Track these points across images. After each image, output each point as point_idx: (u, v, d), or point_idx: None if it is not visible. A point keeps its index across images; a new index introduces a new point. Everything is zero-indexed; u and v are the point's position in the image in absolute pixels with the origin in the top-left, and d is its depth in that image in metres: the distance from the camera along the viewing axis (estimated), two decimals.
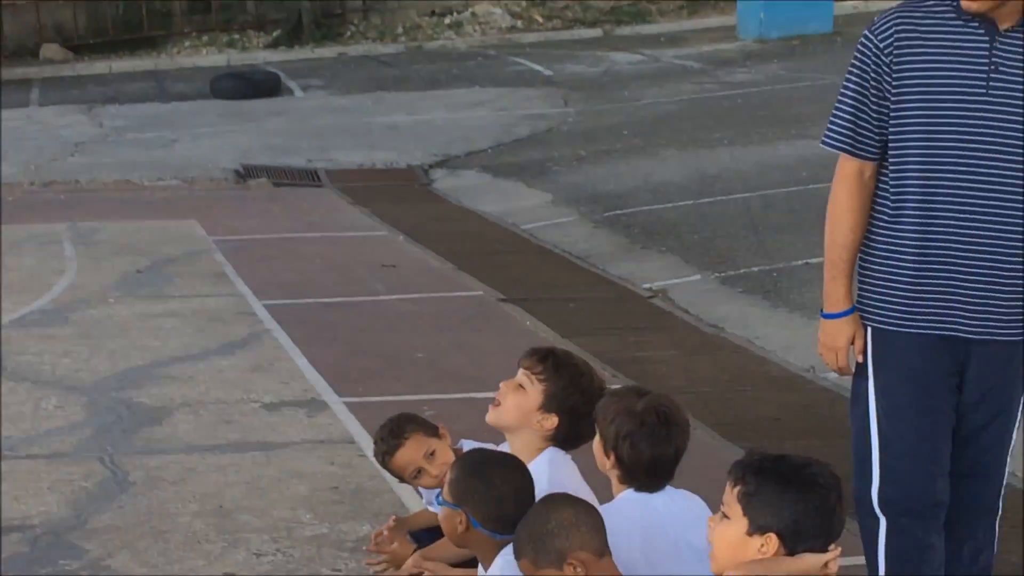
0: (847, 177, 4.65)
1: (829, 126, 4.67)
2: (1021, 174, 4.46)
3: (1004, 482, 4.82)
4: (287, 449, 7.53)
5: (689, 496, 4.67)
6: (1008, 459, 4.79)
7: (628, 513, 4.59)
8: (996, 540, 4.85)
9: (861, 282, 4.72)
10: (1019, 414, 4.74)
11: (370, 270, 11.89)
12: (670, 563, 4.50)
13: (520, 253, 12.79)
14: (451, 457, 5.57)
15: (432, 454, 5.63)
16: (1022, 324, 4.59)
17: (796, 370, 9.09)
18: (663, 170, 15.45)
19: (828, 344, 4.78)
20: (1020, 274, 4.52)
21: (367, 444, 7.53)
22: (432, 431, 5.73)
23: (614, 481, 4.69)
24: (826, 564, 3.92)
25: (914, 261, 4.57)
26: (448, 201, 15.34)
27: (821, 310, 4.80)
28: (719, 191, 14.29)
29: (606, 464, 4.68)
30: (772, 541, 3.91)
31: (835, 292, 4.73)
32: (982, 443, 4.70)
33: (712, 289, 11.18)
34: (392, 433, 5.71)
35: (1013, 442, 4.77)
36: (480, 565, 4.65)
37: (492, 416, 5.25)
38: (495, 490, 4.55)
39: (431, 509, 5.82)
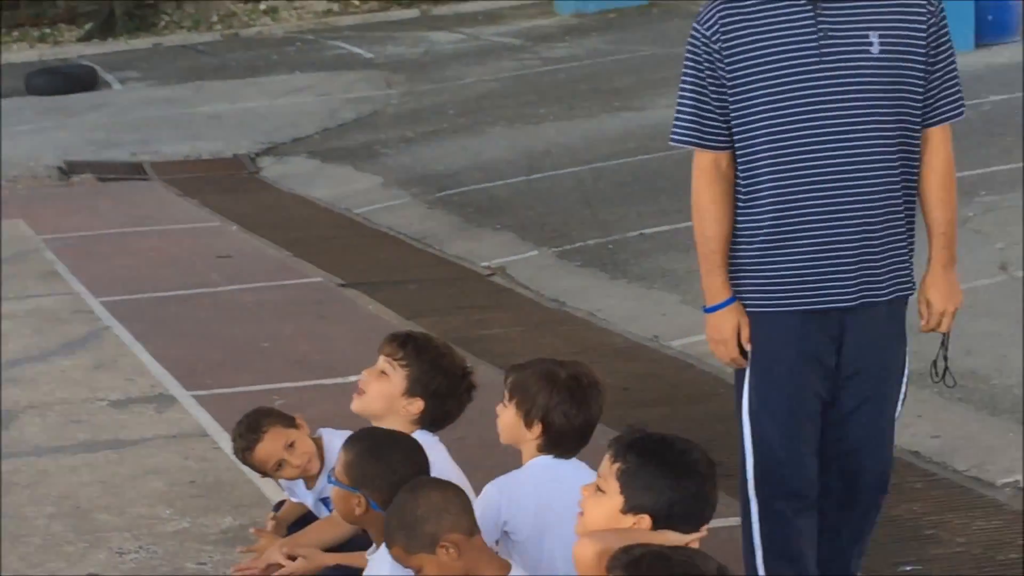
0: (702, 170, 4.66)
1: (674, 123, 4.67)
2: (871, 134, 4.52)
3: (892, 455, 4.83)
4: (139, 446, 7.46)
5: (588, 467, 4.73)
6: (894, 434, 4.80)
7: (544, 478, 4.59)
8: (879, 514, 4.87)
9: (732, 269, 4.69)
10: (904, 387, 4.75)
11: (206, 262, 11.80)
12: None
13: (356, 238, 12.79)
14: (311, 446, 5.57)
15: (292, 445, 5.61)
16: (895, 282, 4.63)
17: (640, 340, 9.21)
18: (492, 148, 15.53)
19: (715, 338, 4.73)
20: (890, 232, 4.57)
21: (221, 437, 7.51)
22: (289, 422, 5.71)
23: (529, 450, 4.70)
24: (688, 544, 3.97)
25: (774, 240, 4.57)
26: (278, 189, 15.29)
27: (703, 306, 4.77)
28: (549, 166, 14.40)
29: (526, 436, 4.68)
30: (644, 522, 3.95)
31: (712, 285, 4.70)
32: (865, 417, 4.69)
33: (550, 264, 11.28)
34: (249, 428, 5.67)
35: (899, 413, 4.79)
36: (375, 543, 4.65)
37: (357, 405, 5.26)
38: (394, 473, 4.55)
39: (293, 500, 5.82)
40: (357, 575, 5.09)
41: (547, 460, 4.71)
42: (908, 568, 5.80)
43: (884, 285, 4.61)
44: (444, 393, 5.15)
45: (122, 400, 8.23)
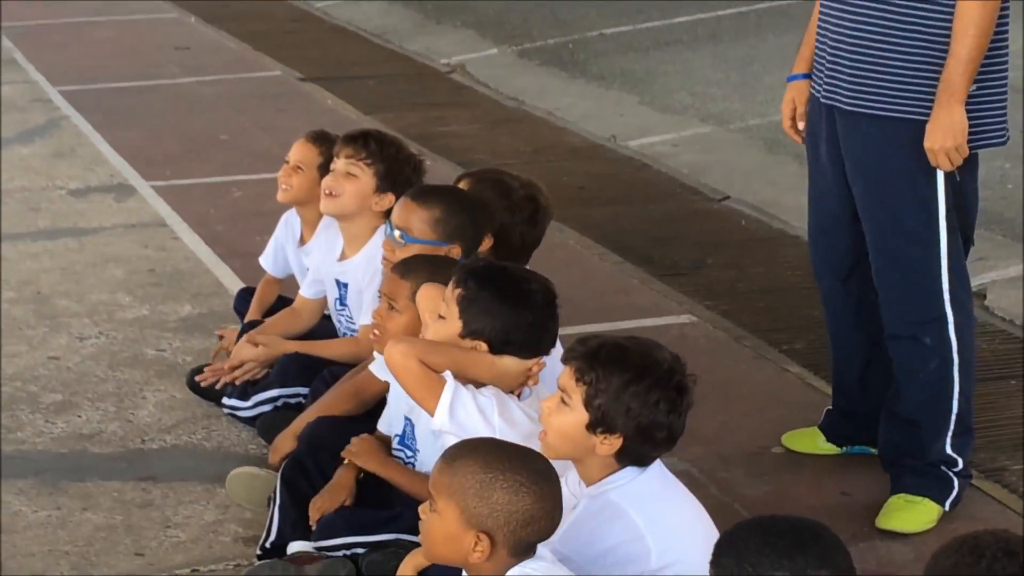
0: None
1: None
2: None
3: (941, 287, 4.61)
4: (99, 234, 7.50)
5: None
6: (941, 274, 4.59)
7: None
8: (953, 350, 4.66)
9: None
10: (937, 235, 4.55)
11: (164, 53, 11.73)
12: None
13: (315, 32, 12.72)
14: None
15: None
16: (871, 96, 4.50)
17: (597, 139, 9.25)
18: None
19: None
20: (868, 44, 4.47)
21: (179, 227, 7.56)
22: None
23: None
24: (530, 369, 4.07)
25: (818, 27, 4.70)
26: None
27: None
28: None
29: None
30: (481, 347, 4.04)
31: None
32: (868, 235, 4.68)
33: (509, 62, 11.27)
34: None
35: (941, 265, 4.59)
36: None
37: (331, 207, 5.29)
38: (482, 226, 4.74)
39: (269, 270, 5.85)
40: (317, 365, 5.20)
41: None
42: None
43: (850, 94, 4.53)
44: (410, 183, 5.22)
45: (81, 189, 8.25)
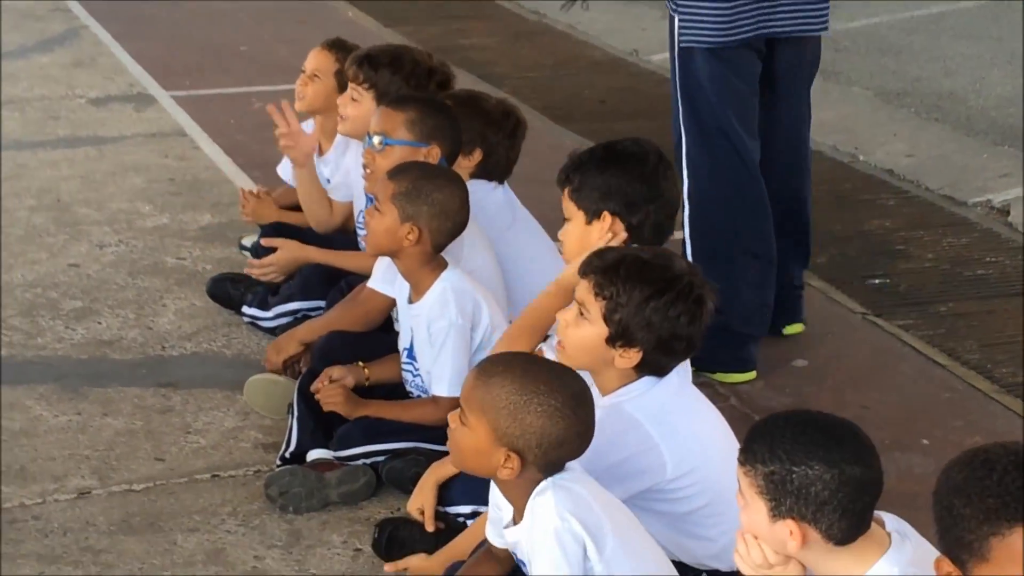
0: None
1: None
2: None
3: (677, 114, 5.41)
4: (119, 143, 7.48)
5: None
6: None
7: (498, 199, 4.82)
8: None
9: None
10: None
11: None
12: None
13: None
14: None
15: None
16: None
17: (619, 53, 9.20)
18: None
19: None
20: None
21: (199, 136, 7.54)
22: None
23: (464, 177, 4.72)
24: None
25: None
26: None
27: None
28: None
29: (463, 163, 4.78)
30: (606, 219, 4.00)
31: None
32: None
33: None
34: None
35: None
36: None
37: (343, 129, 5.27)
38: (461, 130, 4.72)
39: (288, 181, 5.84)
40: (339, 278, 5.19)
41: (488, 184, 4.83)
42: (876, 281, 5.91)
43: None
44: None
45: (101, 98, 8.23)
